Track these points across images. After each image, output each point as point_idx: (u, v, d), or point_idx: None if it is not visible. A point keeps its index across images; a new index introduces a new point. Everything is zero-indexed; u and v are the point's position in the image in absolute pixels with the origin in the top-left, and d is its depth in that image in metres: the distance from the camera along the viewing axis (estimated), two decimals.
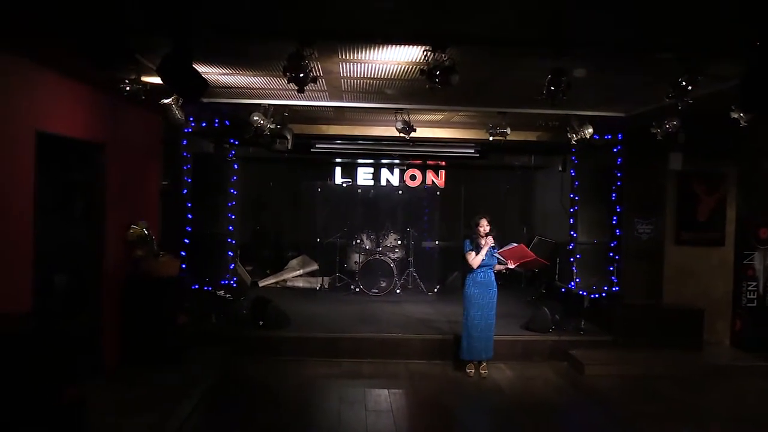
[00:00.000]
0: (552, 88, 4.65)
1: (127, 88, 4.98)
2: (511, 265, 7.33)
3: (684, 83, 4.60)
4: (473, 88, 6.09)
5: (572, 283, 9.01)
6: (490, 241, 7.04)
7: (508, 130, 7.58)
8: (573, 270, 9.00)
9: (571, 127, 7.16)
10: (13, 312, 4.67)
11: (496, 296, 7.24)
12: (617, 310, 8.62)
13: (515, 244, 7.39)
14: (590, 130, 7.02)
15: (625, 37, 4.43)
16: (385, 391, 6.93)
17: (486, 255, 7.06)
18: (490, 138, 7.80)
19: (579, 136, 7.08)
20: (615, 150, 8.91)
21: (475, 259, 7.08)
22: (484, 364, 7.42)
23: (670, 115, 6.39)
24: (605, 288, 8.85)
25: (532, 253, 7.43)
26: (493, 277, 7.24)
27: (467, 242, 7.22)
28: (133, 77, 4.97)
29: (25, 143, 5.00)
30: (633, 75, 5.57)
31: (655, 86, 5.71)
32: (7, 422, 4.13)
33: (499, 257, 7.21)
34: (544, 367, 7.98)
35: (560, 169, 10.90)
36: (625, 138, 8.72)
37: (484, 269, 7.15)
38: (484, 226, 7.04)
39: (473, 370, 7.41)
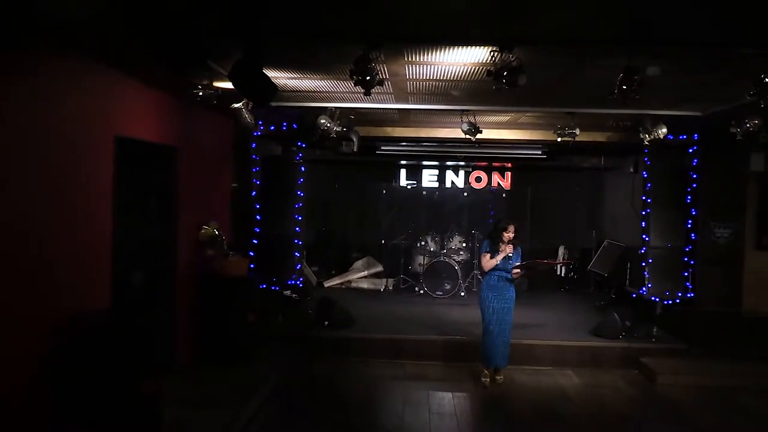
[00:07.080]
0: (624, 87, 4.49)
1: (200, 93, 5.11)
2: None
3: (767, 80, 4.37)
4: (541, 88, 5.98)
5: (644, 289, 8.71)
6: (509, 249, 6.87)
7: (577, 131, 7.42)
8: (644, 275, 8.70)
9: (643, 127, 6.92)
10: (93, 308, 4.90)
11: (513, 301, 7.01)
12: (692, 317, 8.30)
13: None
14: (664, 130, 6.77)
15: (705, 33, 4.24)
16: (449, 394, 6.90)
17: (501, 261, 6.90)
18: (558, 139, 7.65)
19: (652, 137, 6.84)
20: (690, 150, 8.58)
21: (488, 263, 6.96)
22: (500, 370, 7.19)
23: (751, 113, 6.10)
24: (679, 294, 8.51)
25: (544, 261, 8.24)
26: (509, 281, 7.01)
27: (486, 243, 7.09)
28: (205, 82, 5.11)
29: (104, 147, 5.24)
30: (711, 72, 5.32)
31: (735, 83, 5.46)
32: (90, 412, 4.35)
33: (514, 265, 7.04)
34: (613, 375, 7.75)
35: (631, 170, 10.61)
36: (701, 138, 8.39)
37: (499, 272, 6.95)
38: (511, 233, 6.89)
39: (488, 379, 7.15)
